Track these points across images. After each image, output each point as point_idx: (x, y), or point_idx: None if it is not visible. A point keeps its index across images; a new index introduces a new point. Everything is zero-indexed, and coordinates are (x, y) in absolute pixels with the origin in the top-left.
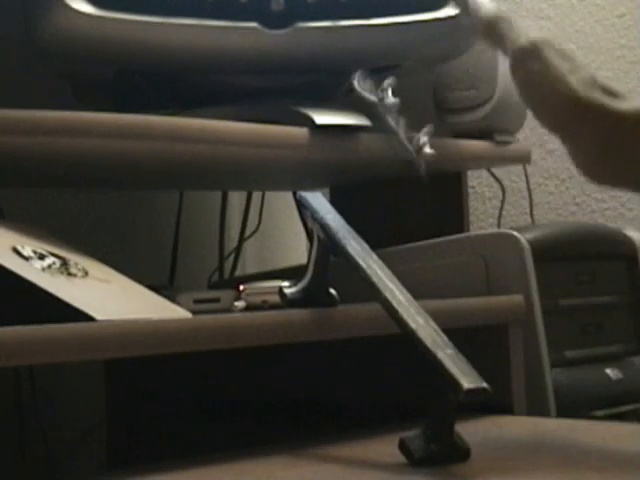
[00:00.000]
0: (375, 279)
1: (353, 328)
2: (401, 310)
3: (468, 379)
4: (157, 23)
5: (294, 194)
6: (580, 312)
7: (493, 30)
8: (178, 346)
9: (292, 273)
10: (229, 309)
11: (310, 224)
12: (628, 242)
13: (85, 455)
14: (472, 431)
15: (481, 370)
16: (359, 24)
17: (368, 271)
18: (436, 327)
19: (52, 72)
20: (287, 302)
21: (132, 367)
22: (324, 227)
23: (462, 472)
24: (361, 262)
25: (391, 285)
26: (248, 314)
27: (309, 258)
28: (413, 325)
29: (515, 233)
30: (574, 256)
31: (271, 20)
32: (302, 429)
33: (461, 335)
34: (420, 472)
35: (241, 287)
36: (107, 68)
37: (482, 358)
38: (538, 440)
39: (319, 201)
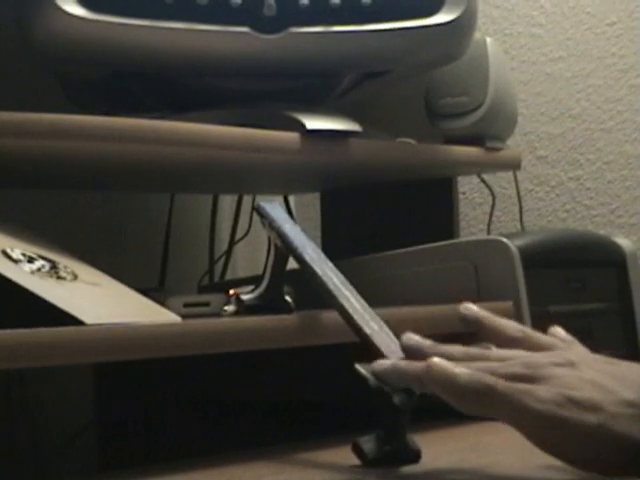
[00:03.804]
0: (331, 286)
1: (342, 333)
2: (356, 317)
3: None
4: (149, 27)
5: (253, 204)
6: (569, 319)
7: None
8: (167, 350)
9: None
10: (219, 313)
11: (267, 232)
12: (617, 249)
13: (75, 458)
14: (451, 437)
15: None
16: (352, 29)
17: (324, 278)
18: (390, 333)
19: (45, 74)
20: (244, 307)
21: (121, 369)
22: (281, 235)
23: (410, 472)
24: (317, 269)
25: (346, 292)
26: (237, 318)
27: (265, 265)
28: (368, 331)
29: (505, 239)
30: (563, 263)
31: (263, 25)
32: (293, 433)
33: (450, 340)
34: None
35: (231, 291)
36: (99, 71)
37: None
38: (510, 444)
39: (277, 210)
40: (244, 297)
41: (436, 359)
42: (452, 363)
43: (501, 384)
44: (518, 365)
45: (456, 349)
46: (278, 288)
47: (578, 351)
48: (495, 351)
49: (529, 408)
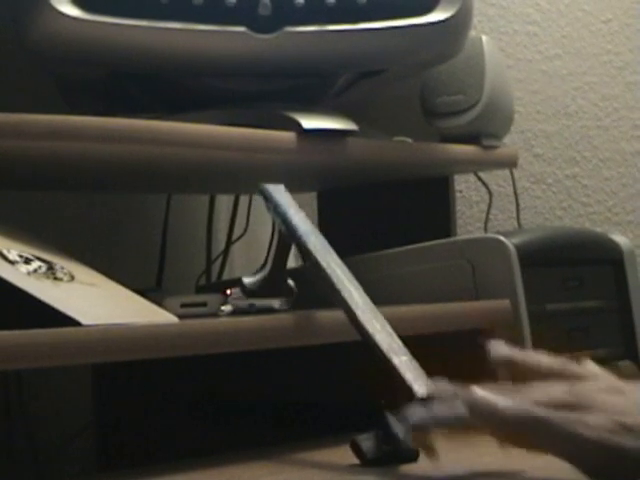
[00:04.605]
0: (334, 279)
1: (340, 333)
2: (359, 313)
3: (421, 385)
4: (145, 27)
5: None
6: (567, 317)
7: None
8: (165, 351)
9: None
10: (216, 313)
11: (272, 216)
12: (614, 247)
13: (74, 458)
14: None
15: (467, 375)
16: (347, 28)
17: (328, 270)
18: (392, 332)
19: (42, 75)
20: (246, 291)
21: (120, 369)
22: (285, 221)
23: (409, 471)
24: (321, 261)
25: (350, 287)
26: (234, 319)
27: (269, 251)
28: (370, 330)
29: (502, 238)
30: (561, 261)
31: (259, 24)
32: (292, 433)
33: (445, 339)
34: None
35: (228, 291)
36: (96, 72)
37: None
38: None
39: (281, 194)
40: (246, 281)
41: (478, 392)
42: (494, 395)
43: (550, 414)
44: (562, 393)
45: (494, 388)
46: (281, 272)
47: (614, 380)
48: (534, 383)
49: (581, 436)
